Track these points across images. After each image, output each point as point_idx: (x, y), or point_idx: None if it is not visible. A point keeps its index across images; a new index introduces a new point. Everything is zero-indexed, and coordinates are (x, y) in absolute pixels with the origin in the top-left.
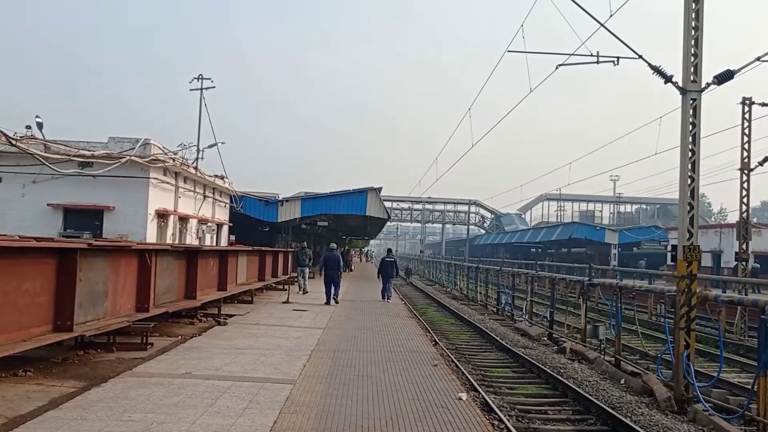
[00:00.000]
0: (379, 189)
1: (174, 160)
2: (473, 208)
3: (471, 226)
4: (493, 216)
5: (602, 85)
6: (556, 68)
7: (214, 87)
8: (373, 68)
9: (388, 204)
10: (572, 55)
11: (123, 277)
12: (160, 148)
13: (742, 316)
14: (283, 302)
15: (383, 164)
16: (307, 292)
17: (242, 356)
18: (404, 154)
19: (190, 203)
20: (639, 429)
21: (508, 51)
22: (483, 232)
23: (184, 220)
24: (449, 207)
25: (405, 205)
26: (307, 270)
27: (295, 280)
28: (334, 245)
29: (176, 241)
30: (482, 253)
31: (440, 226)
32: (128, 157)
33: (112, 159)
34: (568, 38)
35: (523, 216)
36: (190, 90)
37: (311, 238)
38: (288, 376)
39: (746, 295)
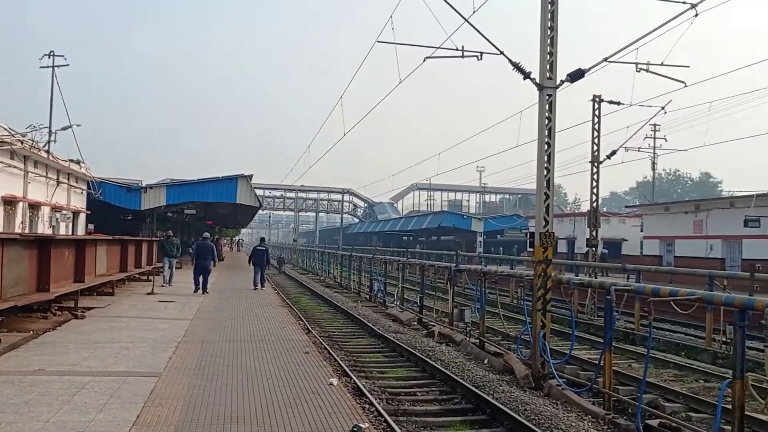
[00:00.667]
0: (250, 176)
1: (22, 143)
2: (347, 197)
3: (344, 215)
4: (366, 205)
5: (471, 79)
6: (424, 60)
7: (67, 65)
8: (253, 52)
9: (259, 192)
10: (439, 48)
11: None
12: (5, 129)
13: (592, 298)
14: (148, 294)
15: (256, 152)
16: (171, 285)
17: (102, 350)
18: (278, 143)
19: (42, 189)
20: (499, 405)
21: (378, 41)
22: (356, 220)
23: (35, 207)
24: (323, 195)
25: (278, 193)
26: (174, 261)
27: (160, 271)
28: (207, 234)
29: (26, 230)
30: (356, 241)
31: (314, 214)
32: None
33: None
34: (437, 32)
35: (395, 205)
36: (41, 68)
37: (178, 227)
38: (153, 369)
39: (596, 278)
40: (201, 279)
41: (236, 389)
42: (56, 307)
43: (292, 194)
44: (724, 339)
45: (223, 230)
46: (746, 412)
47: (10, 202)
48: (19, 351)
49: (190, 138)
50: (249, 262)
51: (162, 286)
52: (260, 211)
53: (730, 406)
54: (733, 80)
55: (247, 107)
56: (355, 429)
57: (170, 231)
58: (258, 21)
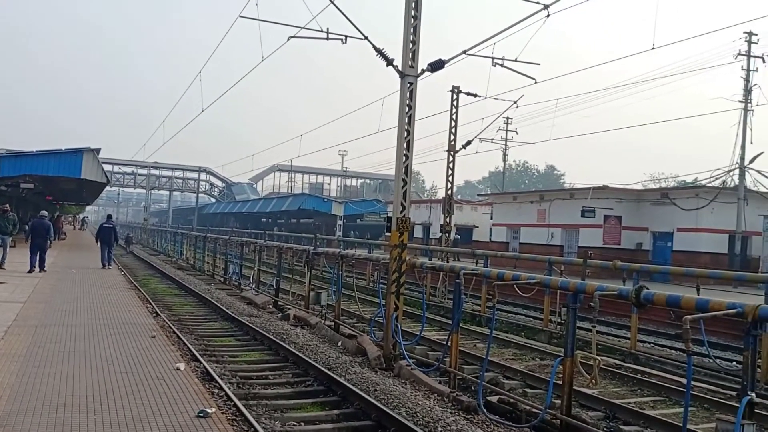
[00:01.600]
0: (98, 150)
1: None
2: (203, 176)
3: (201, 195)
4: (224, 185)
5: (336, 62)
6: (288, 39)
7: None
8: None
9: (108, 167)
10: (303, 28)
11: None
12: None
13: (444, 281)
14: None
15: (102, 124)
16: (4, 267)
17: None
18: (127, 116)
19: None
20: (350, 386)
21: (241, 16)
22: (213, 200)
23: None
24: (178, 173)
25: (128, 169)
26: (8, 239)
27: None
28: (44, 212)
29: None
30: (212, 222)
31: (167, 193)
32: None
33: None
34: (304, 12)
35: (254, 186)
36: None
37: (13, 202)
38: None
39: (448, 262)
40: (38, 258)
41: (72, 376)
42: None
43: (144, 171)
44: (559, 320)
45: (66, 206)
46: (574, 387)
47: None
48: None
49: (33, 108)
50: (96, 240)
51: None
52: (109, 188)
53: (561, 382)
54: (577, 80)
55: (95, 74)
56: (201, 414)
57: (7, 205)
58: None
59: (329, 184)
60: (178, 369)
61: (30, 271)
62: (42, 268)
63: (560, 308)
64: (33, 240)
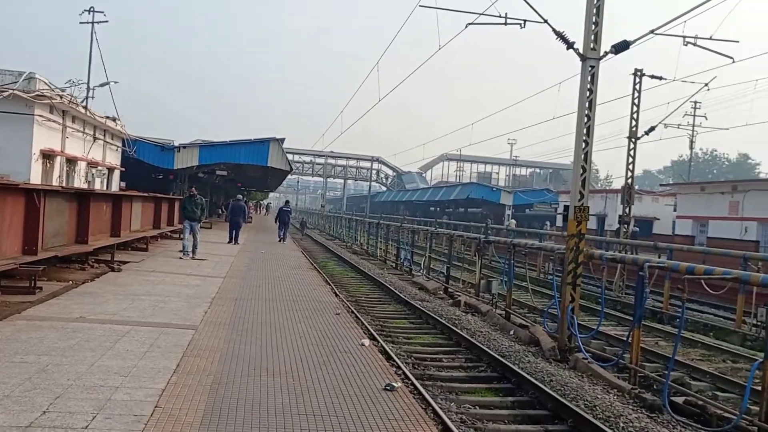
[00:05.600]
0: (282, 140)
1: (61, 98)
2: (376, 165)
3: (373, 183)
4: (394, 174)
5: (509, 50)
6: (466, 26)
7: (107, 21)
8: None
9: (290, 156)
10: (482, 14)
11: (9, 218)
12: (46, 83)
13: (621, 275)
14: (180, 251)
15: (286, 115)
16: (195, 257)
17: (139, 302)
18: (308, 108)
19: (79, 145)
20: (525, 374)
21: (420, 6)
22: (384, 189)
23: (72, 162)
24: (352, 162)
25: (307, 159)
26: (197, 225)
27: (179, 236)
28: (240, 196)
29: (64, 184)
30: (383, 210)
31: (342, 181)
32: (10, 91)
33: None
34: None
35: (423, 175)
36: (80, 23)
37: (208, 188)
38: (189, 322)
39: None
40: (234, 233)
41: (270, 345)
42: (93, 260)
43: (321, 160)
44: (755, 321)
45: (252, 193)
46: None
47: (48, 156)
48: (60, 299)
49: (225, 99)
50: (275, 220)
51: (181, 258)
52: (289, 176)
53: (759, 387)
54: None
55: (282, 68)
56: (388, 387)
57: (194, 188)
58: None
59: (498, 173)
60: (362, 344)
61: (228, 243)
62: (236, 241)
63: (756, 309)
64: (231, 218)
